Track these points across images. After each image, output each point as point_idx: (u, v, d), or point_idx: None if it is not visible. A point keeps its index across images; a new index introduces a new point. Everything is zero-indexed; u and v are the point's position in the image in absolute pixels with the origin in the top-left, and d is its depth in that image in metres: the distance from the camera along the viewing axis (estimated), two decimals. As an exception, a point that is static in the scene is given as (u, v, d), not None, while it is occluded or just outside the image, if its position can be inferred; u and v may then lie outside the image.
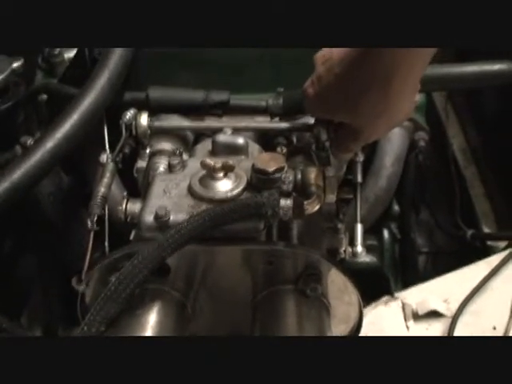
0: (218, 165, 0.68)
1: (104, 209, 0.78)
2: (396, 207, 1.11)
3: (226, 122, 0.86)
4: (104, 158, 0.84)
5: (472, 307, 0.85)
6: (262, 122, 0.87)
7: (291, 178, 0.69)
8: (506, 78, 0.86)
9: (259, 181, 0.68)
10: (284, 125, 0.86)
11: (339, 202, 0.83)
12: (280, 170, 0.68)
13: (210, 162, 0.68)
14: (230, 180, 0.69)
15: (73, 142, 0.78)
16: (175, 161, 0.73)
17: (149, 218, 0.67)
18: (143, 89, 0.94)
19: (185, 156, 0.83)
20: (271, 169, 0.67)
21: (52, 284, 1.08)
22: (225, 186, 0.68)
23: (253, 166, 0.68)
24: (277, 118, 0.91)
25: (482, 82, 0.89)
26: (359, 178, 0.87)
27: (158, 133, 0.86)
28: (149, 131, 0.85)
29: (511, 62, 0.86)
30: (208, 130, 0.88)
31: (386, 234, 1.12)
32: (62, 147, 0.77)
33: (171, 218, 0.66)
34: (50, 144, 0.77)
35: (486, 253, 0.97)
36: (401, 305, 0.89)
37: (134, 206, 0.77)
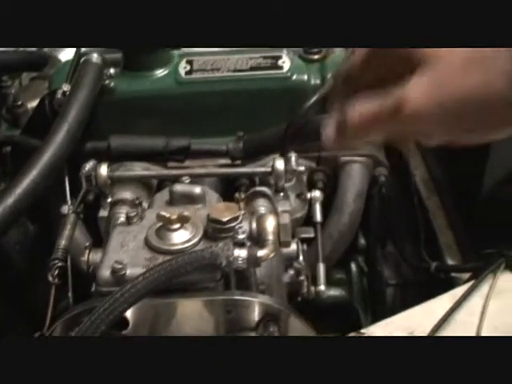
0: (174, 216, 0.69)
1: (66, 261, 0.79)
2: (362, 241, 1.13)
3: (187, 170, 0.87)
4: (65, 209, 0.85)
5: (437, 341, 0.86)
6: (224, 167, 0.88)
7: (246, 227, 0.70)
8: None
9: (215, 230, 0.69)
10: (243, 170, 0.87)
11: (300, 243, 0.84)
12: (234, 219, 0.69)
13: (166, 214, 0.69)
14: (187, 230, 0.70)
15: (33, 196, 0.79)
16: (133, 213, 0.74)
17: (106, 272, 0.68)
18: (105, 137, 0.95)
19: (145, 205, 0.85)
20: (225, 218, 0.68)
21: (20, 333, 1.07)
22: (181, 237, 0.69)
23: (208, 216, 0.69)
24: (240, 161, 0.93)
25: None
26: (319, 218, 0.88)
27: (119, 182, 0.87)
28: (109, 181, 0.86)
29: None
30: (170, 178, 0.89)
31: (353, 267, 1.13)
32: (23, 203, 0.78)
33: (128, 272, 0.67)
34: (10, 200, 0.78)
35: (450, 284, 0.98)
36: (367, 341, 0.90)
37: (96, 256, 0.78)
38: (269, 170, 0.85)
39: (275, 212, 0.84)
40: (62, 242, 0.79)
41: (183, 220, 0.69)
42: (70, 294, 0.83)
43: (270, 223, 0.72)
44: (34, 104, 1.08)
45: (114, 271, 0.67)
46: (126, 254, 0.69)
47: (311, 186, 0.99)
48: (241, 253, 0.66)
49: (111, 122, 0.97)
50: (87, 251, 0.79)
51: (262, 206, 0.82)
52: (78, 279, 0.83)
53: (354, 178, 0.99)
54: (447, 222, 1.06)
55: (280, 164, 0.84)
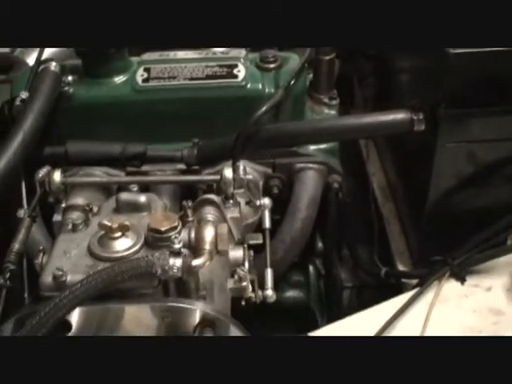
0: (115, 225, 0.71)
1: (19, 264, 0.81)
2: (320, 244, 1.15)
3: (140, 177, 0.90)
4: (21, 213, 0.87)
5: (380, 347, 0.88)
6: (176, 175, 0.91)
7: (184, 236, 0.73)
8: (400, 127, 0.91)
9: (154, 239, 0.72)
10: (193, 177, 0.90)
11: (247, 249, 0.86)
12: (172, 229, 0.71)
13: (107, 222, 0.71)
14: (128, 238, 0.72)
15: None
16: (78, 220, 0.77)
17: (47, 278, 0.70)
18: (65, 142, 0.98)
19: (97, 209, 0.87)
20: (163, 228, 0.71)
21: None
22: (122, 245, 0.72)
23: (148, 225, 0.72)
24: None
25: (378, 132, 0.94)
26: (267, 224, 0.90)
27: (73, 188, 0.90)
28: (62, 187, 0.88)
29: (407, 111, 0.90)
30: (122, 184, 0.91)
31: (311, 269, 1.16)
32: None
33: (68, 278, 0.69)
34: None
35: (400, 289, 1.01)
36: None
37: (48, 260, 0.80)
38: (217, 178, 0.88)
39: (223, 219, 0.86)
40: (16, 246, 0.82)
41: (124, 229, 0.71)
42: (25, 296, 0.86)
43: (209, 233, 0.75)
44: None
45: (55, 277, 0.69)
46: (68, 260, 0.72)
47: (267, 191, 1.02)
48: (176, 262, 0.68)
49: (70, 128, 0.99)
50: (41, 254, 0.81)
51: (209, 213, 0.85)
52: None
53: (308, 185, 1.02)
54: (400, 228, 1.09)
55: (228, 172, 0.87)
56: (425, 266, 1.01)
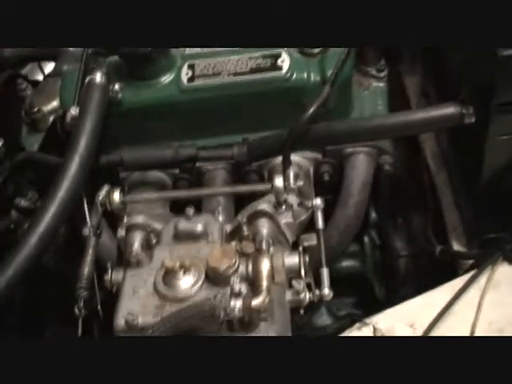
0: (177, 266, 0.75)
1: (91, 288, 0.87)
2: (374, 215, 1.17)
3: (195, 191, 0.94)
4: (86, 231, 0.92)
5: (436, 332, 0.92)
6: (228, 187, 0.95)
7: (240, 271, 0.76)
8: (450, 121, 0.89)
9: (213, 277, 0.76)
10: (246, 188, 0.93)
11: (302, 254, 0.89)
12: (231, 267, 0.75)
13: (169, 264, 0.75)
14: (190, 275, 0.77)
15: (54, 231, 0.86)
16: (141, 256, 0.81)
17: (121, 322, 0.76)
18: (116, 145, 1.01)
19: (157, 225, 0.91)
20: (222, 268, 0.75)
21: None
22: (185, 284, 0.76)
23: (207, 262, 0.76)
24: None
25: (428, 127, 0.93)
26: (321, 225, 0.91)
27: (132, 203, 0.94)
28: (122, 206, 0.92)
29: (456, 104, 0.88)
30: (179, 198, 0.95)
31: (366, 240, 1.19)
32: (45, 240, 0.85)
33: (139, 321, 0.75)
34: (33, 239, 0.84)
35: (455, 267, 1.03)
36: (372, 330, 0.97)
37: (118, 276, 0.86)
38: (269, 187, 0.90)
39: (278, 227, 0.89)
40: (86, 269, 0.87)
41: (185, 268, 0.76)
42: (98, 307, 0.92)
43: (265, 266, 0.78)
44: (49, 107, 1.14)
45: (127, 321, 0.75)
46: (137, 301, 0.77)
47: (318, 178, 1.04)
48: (236, 303, 0.73)
49: (122, 131, 1.02)
50: (110, 270, 0.87)
51: (263, 226, 0.88)
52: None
53: (359, 169, 1.03)
54: (454, 200, 1.09)
55: (279, 182, 0.89)
56: (479, 243, 1.02)
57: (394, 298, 1.07)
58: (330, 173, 1.04)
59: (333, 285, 0.96)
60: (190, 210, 0.86)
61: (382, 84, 1.09)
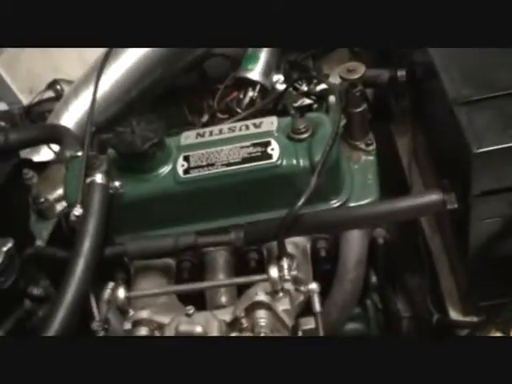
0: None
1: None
2: (374, 279, 1.21)
3: (199, 284, 1.00)
4: (94, 325, 0.97)
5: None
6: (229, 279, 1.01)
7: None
8: (433, 209, 0.93)
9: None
10: (244, 280, 0.97)
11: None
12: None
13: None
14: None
15: (67, 330, 0.91)
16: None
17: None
18: (118, 231, 1.06)
19: (161, 318, 0.96)
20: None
21: None
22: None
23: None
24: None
25: (412, 214, 0.97)
26: (318, 308, 0.95)
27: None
28: (127, 301, 0.97)
29: (439, 192, 0.92)
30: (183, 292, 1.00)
31: (368, 303, 1.23)
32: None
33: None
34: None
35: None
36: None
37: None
38: (265, 277, 0.94)
39: (276, 316, 0.93)
40: None
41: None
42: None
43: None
44: (55, 195, 1.20)
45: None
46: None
47: (314, 254, 1.08)
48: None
49: (122, 220, 1.07)
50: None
51: (261, 318, 0.92)
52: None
53: (353, 245, 1.07)
54: (449, 265, 1.12)
55: (274, 272, 0.93)
56: (475, 311, 1.06)
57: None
58: (326, 249, 1.08)
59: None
60: (191, 310, 0.90)
61: (371, 157, 1.13)
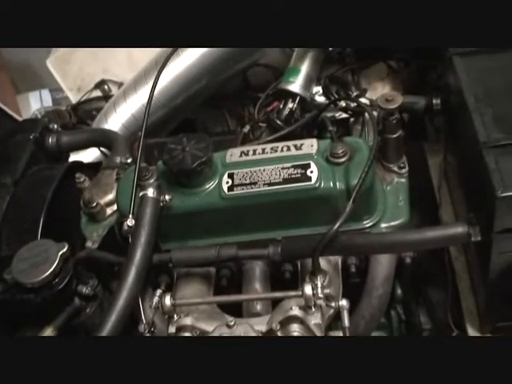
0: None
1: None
2: (399, 291, 1.29)
3: (238, 296, 1.09)
4: (141, 328, 1.07)
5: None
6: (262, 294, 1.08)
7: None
8: (458, 240, 1.01)
9: None
10: (279, 294, 1.06)
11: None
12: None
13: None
14: None
15: (118, 331, 1.00)
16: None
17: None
18: (167, 240, 1.15)
19: (204, 326, 1.05)
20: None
21: None
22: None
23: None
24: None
25: (438, 244, 1.05)
26: (347, 323, 1.04)
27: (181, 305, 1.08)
28: (173, 308, 1.06)
29: (465, 224, 0.99)
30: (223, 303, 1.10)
31: (393, 314, 1.31)
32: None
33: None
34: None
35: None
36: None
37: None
38: (300, 293, 1.02)
39: (308, 329, 1.02)
40: None
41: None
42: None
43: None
44: (106, 200, 1.29)
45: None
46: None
47: (345, 270, 1.16)
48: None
49: (169, 230, 1.16)
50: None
51: (295, 331, 1.01)
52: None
53: (382, 264, 1.15)
54: (471, 285, 1.20)
55: (308, 289, 1.01)
56: (491, 330, 1.13)
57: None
58: (356, 265, 1.16)
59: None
60: (232, 322, 0.99)
61: (403, 180, 1.20)
